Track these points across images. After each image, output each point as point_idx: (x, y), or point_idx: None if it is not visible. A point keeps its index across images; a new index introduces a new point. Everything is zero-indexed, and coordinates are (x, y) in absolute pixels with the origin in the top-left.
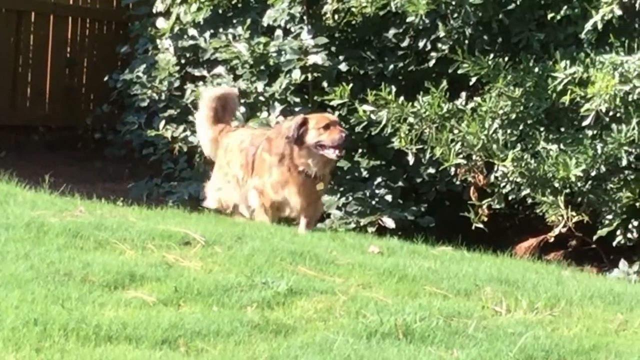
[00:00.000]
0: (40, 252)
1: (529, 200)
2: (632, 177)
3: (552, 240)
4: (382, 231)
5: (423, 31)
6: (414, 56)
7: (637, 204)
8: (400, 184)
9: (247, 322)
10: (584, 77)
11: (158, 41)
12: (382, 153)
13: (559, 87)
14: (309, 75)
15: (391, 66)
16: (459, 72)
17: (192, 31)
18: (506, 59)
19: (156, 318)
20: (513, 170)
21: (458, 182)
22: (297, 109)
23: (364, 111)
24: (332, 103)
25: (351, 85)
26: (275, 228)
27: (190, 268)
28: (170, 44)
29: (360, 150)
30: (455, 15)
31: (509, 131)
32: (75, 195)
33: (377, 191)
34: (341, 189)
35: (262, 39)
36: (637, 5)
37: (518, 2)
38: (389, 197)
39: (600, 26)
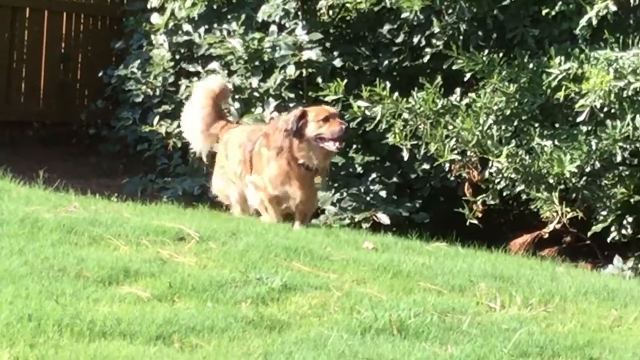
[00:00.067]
0: (35, 247)
1: (524, 196)
2: (627, 173)
3: (546, 236)
4: (376, 227)
5: (417, 27)
6: (408, 52)
7: (632, 200)
8: (394, 179)
9: (241, 318)
10: (579, 73)
11: (152, 37)
12: (376, 149)
13: (554, 83)
14: (304, 71)
15: (386, 62)
16: (454, 68)
17: (187, 27)
18: (501, 54)
19: (150, 314)
20: (507, 166)
21: (452, 178)
22: (291, 105)
23: (359, 107)
24: (326, 99)
25: (346, 81)
26: (270, 224)
27: (185, 264)
28: (165, 39)
29: (354, 146)
30: (450, 11)
31: (503, 127)
32: (70, 190)
33: (371, 187)
34: (336, 184)
35: (257, 35)
36: (631, 1)
37: None
38: (383, 193)
39: (595, 22)
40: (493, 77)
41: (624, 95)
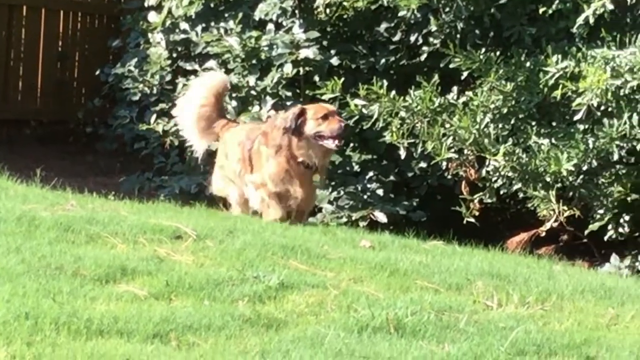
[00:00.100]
0: (32, 245)
1: (521, 195)
2: (624, 171)
3: (543, 234)
4: (373, 225)
5: (415, 25)
6: (405, 50)
7: (629, 199)
8: (391, 178)
9: (238, 316)
10: (576, 72)
11: (150, 35)
12: (373, 147)
13: (551, 82)
14: (301, 70)
15: (383, 60)
16: (451, 66)
17: (184, 25)
18: (498, 53)
19: (147, 312)
20: (504, 164)
21: (449, 177)
22: (288, 103)
23: (356, 105)
24: (323, 97)
25: (343, 79)
26: (267, 222)
27: (182, 262)
28: (162, 37)
29: (351, 145)
30: (447, 9)
31: (500, 125)
32: (67, 189)
33: (368, 185)
34: (333, 183)
35: (254, 33)
36: None
37: None
38: (380, 192)
39: (592, 20)
40: (490, 76)
41: (621, 93)
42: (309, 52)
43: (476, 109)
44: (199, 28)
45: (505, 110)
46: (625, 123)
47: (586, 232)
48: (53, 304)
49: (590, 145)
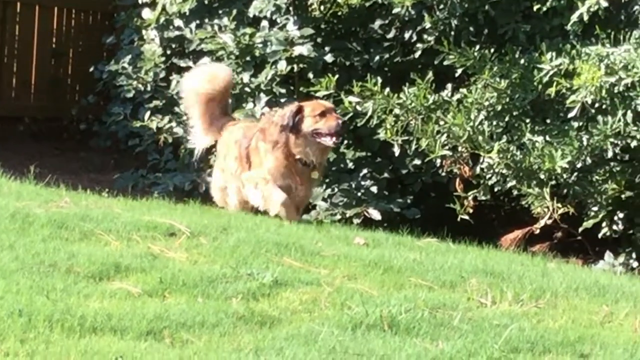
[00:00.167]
0: (25, 243)
1: (515, 192)
2: (618, 168)
3: (537, 232)
4: (367, 223)
5: (409, 22)
6: (399, 47)
7: (623, 196)
8: (385, 175)
9: (232, 314)
10: (570, 69)
11: (144, 32)
12: (367, 144)
13: (545, 79)
14: (295, 66)
15: (377, 57)
16: (445, 63)
17: (178, 22)
18: (492, 50)
19: (141, 309)
20: (499, 161)
21: (444, 174)
22: (282, 100)
23: (350, 102)
24: (317, 94)
25: (337, 76)
26: (261, 219)
27: (176, 259)
28: (156, 34)
29: (345, 142)
30: (441, 6)
31: (494, 123)
32: (61, 186)
33: (362, 183)
34: (327, 180)
35: (248, 30)
36: None
37: None
38: (374, 189)
39: (586, 18)
40: (484, 73)
41: (615, 91)
42: (303, 49)
43: (470, 106)
44: (193, 25)
45: (499, 108)
46: (619, 120)
47: (580, 229)
48: (47, 301)
49: (585, 143)
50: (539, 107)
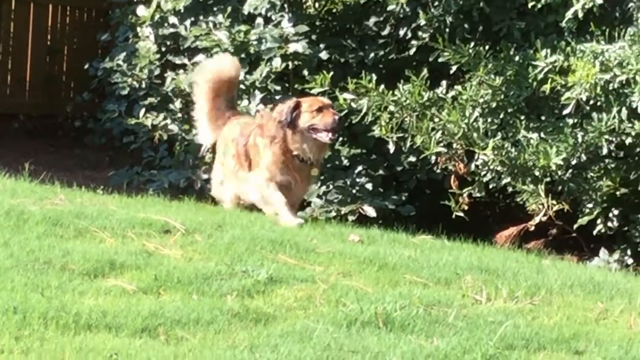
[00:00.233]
0: (20, 240)
1: (510, 189)
2: (613, 165)
3: (532, 228)
4: (362, 220)
5: (404, 19)
6: (394, 44)
7: (618, 193)
8: (380, 172)
9: (227, 311)
10: (565, 66)
11: (138, 29)
12: (362, 141)
13: (540, 76)
14: (290, 64)
15: (372, 54)
16: (440, 60)
17: (173, 19)
18: (487, 47)
19: (136, 306)
20: (493, 158)
21: (439, 171)
22: (277, 97)
23: (345, 99)
24: (312, 91)
25: (332, 73)
26: (256, 216)
27: (170, 256)
28: (151, 32)
29: (340, 139)
30: (436, 3)
31: (489, 120)
32: (56, 183)
33: (357, 180)
34: (322, 177)
35: (243, 27)
36: None
37: None
38: (369, 186)
39: (581, 15)
40: (479, 70)
41: (610, 88)
42: (298, 46)
43: (465, 103)
44: (187, 22)
45: (494, 105)
46: (614, 117)
47: (575, 226)
48: (41, 298)
49: (579, 140)
50: (534, 104)
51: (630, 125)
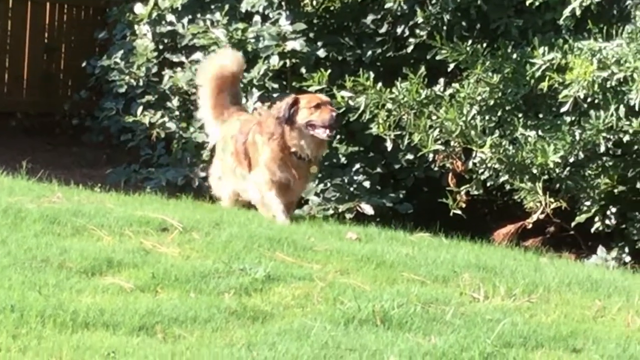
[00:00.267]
0: (18, 238)
1: (507, 187)
2: (611, 163)
3: (530, 226)
4: (360, 217)
5: (401, 17)
6: (392, 42)
7: (615, 190)
8: (378, 170)
9: (224, 309)
10: (563, 64)
11: (136, 27)
12: (360, 139)
13: (538, 74)
14: (287, 61)
15: (369, 52)
16: (437, 58)
17: (170, 17)
18: (484, 45)
19: (133, 304)
20: (491, 156)
21: (436, 168)
22: (275, 95)
23: (342, 97)
24: (310, 89)
25: (329, 71)
26: (253, 214)
27: (168, 254)
28: (148, 29)
29: (338, 137)
30: (434, 1)
31: (487, 117)
32: (53, 181)
33: (355, 177)
34: (319, 175)
35: (241, 25)
36: None
37: None
38: (367, 184)
39: (578, 12)
40: (477, 68)
41: (608, 85)
42: (296, 44)
43: (463, 100)
44: (185, 20)
45: (491, 102)
46: (611, 115)
47: (573, 224)
48: (39, 297)
49: (577, 137)
50: (532, 102)
51: (627, 122)
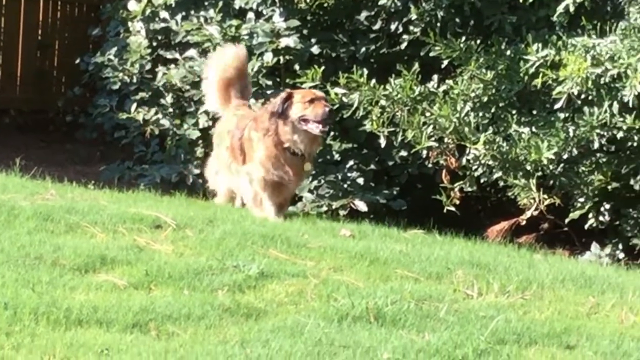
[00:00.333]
0: (11, 235)
1: (501, 183)
2: (604, 160)
3: (524, 223)
4: (353, 214)
5: (395, 14)
6: (385, 39)
7: (609, 187)
8: (372, 167)
9: (218, 306)
10: (556, 60)
11: (130, 24)
12: (354, 136)
13: (531, 70)
14: (281, 58)
15: (363, 49)
16: (431, 54)
17: (164, 14)
18: (478, 41)
19: (127, 302)
20: (485, 153)
21: (430, 165)
22: (268, 92)
23: (336, 94)
24: (303, 86)
25: (323, 68)
26: (247, 212)
27: (161, 251)
28: (142, 26)
29: (332, 133)
30: None
31: (480, 114)
32: (47, 178)
33: (349, 174)
34: (313, 172)
35: (234, 22)
36: None
37: None
38: (360, 180)
39: (572, 9)
40: (470, 64)
41: (601, 82)
42: (290, 41)
43: (456, 97)
44: (179, 17)
45: (485, 99)
46: (605, 111)
47: (567, 220)
48: (32, 294)
49: (571, 134)
50: (525, 99)
51: (621, 119)
